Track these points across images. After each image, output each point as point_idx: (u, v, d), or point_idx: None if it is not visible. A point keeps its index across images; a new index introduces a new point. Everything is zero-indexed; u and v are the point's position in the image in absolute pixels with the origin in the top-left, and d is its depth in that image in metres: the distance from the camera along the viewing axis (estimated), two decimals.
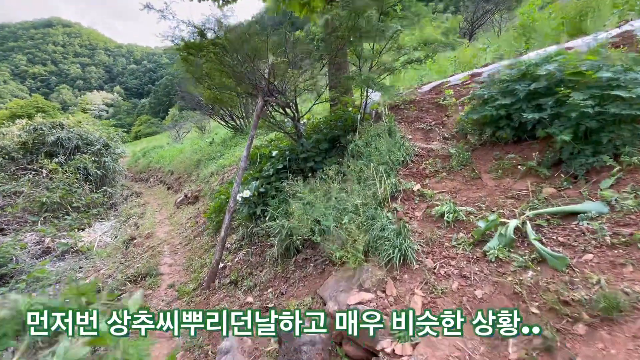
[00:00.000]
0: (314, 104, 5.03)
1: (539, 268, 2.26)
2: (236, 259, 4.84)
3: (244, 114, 11.07)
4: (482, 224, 2.66)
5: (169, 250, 6.42)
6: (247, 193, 4.99)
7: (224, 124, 11.37)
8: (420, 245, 2.77)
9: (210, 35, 4.37)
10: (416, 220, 3.11)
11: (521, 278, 2.24)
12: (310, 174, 5.11)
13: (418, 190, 3.44)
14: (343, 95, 5.41)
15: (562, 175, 2.88)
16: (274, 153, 5.79)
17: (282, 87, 4.76)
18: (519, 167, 3.20)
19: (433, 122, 4.79)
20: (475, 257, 2.56)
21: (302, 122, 6.28)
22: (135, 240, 7.29)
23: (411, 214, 3.17)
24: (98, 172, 10.62)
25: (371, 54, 4.66)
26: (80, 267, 6.51)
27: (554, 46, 5.81)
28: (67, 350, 0.60)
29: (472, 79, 5.72)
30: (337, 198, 3.71)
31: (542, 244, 2.40)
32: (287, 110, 5.05)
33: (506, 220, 2.67)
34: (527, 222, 2.56)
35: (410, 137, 4.49)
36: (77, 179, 9.91)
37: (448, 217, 2.96)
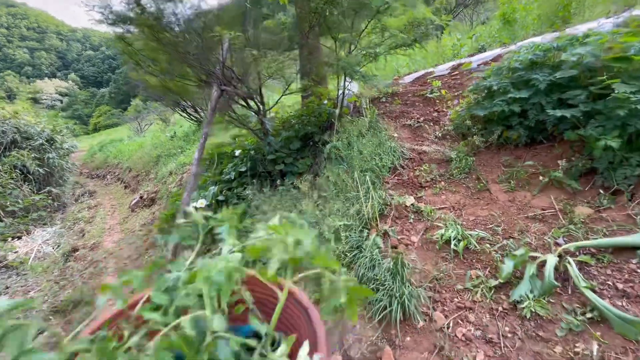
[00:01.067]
0: (282, 95, 4.12)
1: (598, 333, 1.55)
2: None
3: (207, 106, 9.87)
4: (508, 263, 1.90)
5: (114, 267, 5.34)
6: (202, 202, 4.03)
7: (186, 116, 10.16)
8: (424, 288, 2.00)
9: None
10: (414, 247, 2.33)
11: (577, 350, 1.52)
12: (279, 179, 4.24)
13: (412, 205, 2.66)
14: (317, 85, 4.54)
15: (600, 190, 2.20)
16: (237, 152, 4.85)
17: (243, 74, 3.82)
18: (539, 177, 2.49)
19: (421, 118, 4.04)
20: (501, 308, 1.82)
21: (269, 115, 5.36)
22: (77, 252, 6.13)
23: (407, 239, 2.39)
24: (40, 170, 9.15)
25: (350, 35, 3.81)
26: (6, 287, 5.31)
27: (538, 37, 5.21)
28: None
29: (460, 70, 5.01)
30: (311, 216, 2.89)
31: (595, 292, 1.69)
32: (251, 102, 4.11)
33: (537, 255, 1.94)
34: (570, 259, 1.84)
35: (396, 135, 3.71)
36: (12, 178, 8.44)
37: (456, 245, 2.20)
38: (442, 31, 10.46)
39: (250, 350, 0.54)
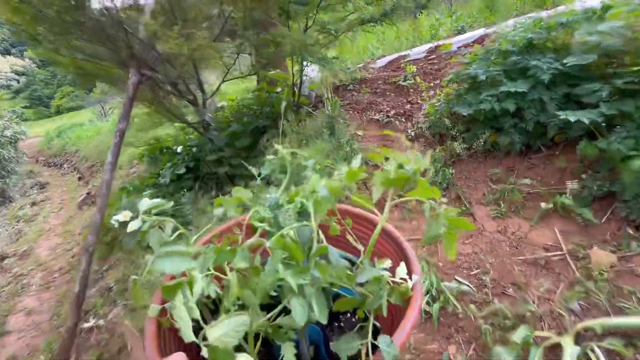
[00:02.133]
0: (222, 82, 3.24)
1: None
2: (111, 314, 3.12)
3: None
4: (504, 356, 1.22)
5: (40, 282, 4.46)
6: (125, 215, 3.20)
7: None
8: None
9: None
10: None
11: None
12: (228, 182, 3.44)
13: None
14: (272, 70, 3.67)
15: (626, 226, 1.54)
16: (179, 149, 3.99)
17: (171, 55, 2.92)
18: (538, 200, 1.82)
19: (392, 112, 3.28)
20: None
21: (219, 105, 4.45)
22: (5, 262, 5.19)
23: None
24: None
25: (305, 8, 2.96)
26: None
27: (522, 17, 4.49)
28: None
29: (438, 53, 4.24)
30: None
31: None
32: (187, 90, 3.23)
33: (546, 335, 1.28)
34: (594, 346, 1.19)
35: (360, 134, 2.96)
36: None
37: (429, 304, 1.52)
38: (420, 11, 9.60)
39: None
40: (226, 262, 0.51)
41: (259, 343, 0.47)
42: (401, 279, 0.50)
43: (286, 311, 0.45)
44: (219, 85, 3.25)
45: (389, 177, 0.52)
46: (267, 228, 0.53)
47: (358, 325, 0.52)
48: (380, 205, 0.56)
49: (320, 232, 0.53)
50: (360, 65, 5.54)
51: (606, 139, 1.54)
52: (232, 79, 3.34)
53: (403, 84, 3.65)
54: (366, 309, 0.48)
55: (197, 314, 0.43)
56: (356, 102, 3.58)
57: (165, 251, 0.44)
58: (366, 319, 0.52)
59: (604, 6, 1.78)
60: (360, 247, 0.59)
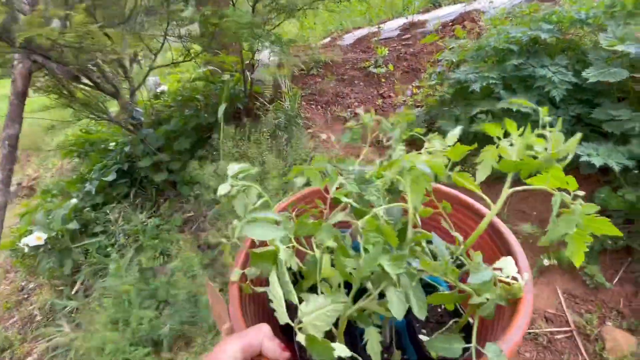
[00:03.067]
0: (149, 70, 2.50)
1: None
2: (35, 355, 2.56)
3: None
4: None
5: None
6: (38, 238, 2.54)
7: None
8: None
9: None
10: None
11: None
12: (169, 188, 2.84)
13: None
14: (220, 52, 2.92)
15: None
16: (112, 145, 3.27)
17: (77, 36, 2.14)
18: (537, 252, 1.44)
19: (361, 107, 2.77)
20: None
21: (157, 85, 3.63)
22: None
23: None
24: None
25: None
26: None
27: None
28: None
29: (413, 32, 3.66)
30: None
31: None
32: (105, 80, 2.47)
33: None
34: None
35: (324, 137, 2.43)
36: None
37: None
38: None
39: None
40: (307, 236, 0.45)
41: (343, 325, 0.43)
42: (512, 277, 0.41)
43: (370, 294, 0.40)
44: (146, 75, 2.52)
45: (510, 159, 0.41)
46: (353, 204, 0.47)
47: (452, 322, 0.48)
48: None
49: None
50: (326, 41, 4.85)
51: (635, 190, 1.15)
52: (162, 66, 2.61)
53: (374, 71, 3.08)
54: (477, 314, 0.39)
55: (295, 298, 0.39)
56: (319, 93, 3.00)
57: (253, 217, 0.40)
58: (455, 313, 0.51)
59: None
60: (458, 236, 0.49)
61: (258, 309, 0.50)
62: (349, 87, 3.06)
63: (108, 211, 2.72)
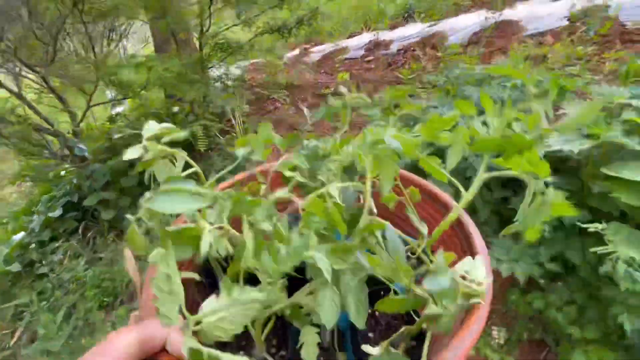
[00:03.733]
0: (88, 107, 2.31)
1: None
2: None
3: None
4: None
5: None
6: None
7: None
8: None
9: None
10: None
11: None
12: (119, 223, 2.73)
13: None
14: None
15: None
16: (63, 172, 3.12)
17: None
18: None
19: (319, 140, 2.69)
20: None
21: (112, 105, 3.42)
22: None
23: None
24: None
25: None
26: None
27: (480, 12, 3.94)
28: None
29: (377, 54, 3.55)
30: None
31: None
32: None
33: None
34: None
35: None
36: None
37: None
38: None
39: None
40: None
41: (270, 324, 0.37)
42: (477, 283, 0.33)
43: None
44: (85, 111, 2.35)
45: (486, 137, 0.36)
46: (301, 180, 0.42)
47: (403, 328, 0.38)
48: None
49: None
50: (295, 53, 4.70)
51: (544, 297, 1.12)
52: (101, 103, 2.45)
53: (332, 100, 2.99)
54: (431, 329, 0.34)
55: (180, 299, 0.28)
56: (276, 123, 2.90)
57: (170, 187, 0.31)
58: (408, 315, 0.44)
59: None
60: (423, 230, 0.42)
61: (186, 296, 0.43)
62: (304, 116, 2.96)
63: (53, 250, 2.61)
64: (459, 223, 0.45)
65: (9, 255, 2.60)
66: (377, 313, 0.49)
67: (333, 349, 0.44)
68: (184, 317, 0.29)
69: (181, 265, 0.39)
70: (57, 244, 2.69)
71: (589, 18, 2.18)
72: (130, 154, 0.37)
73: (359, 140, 0.40)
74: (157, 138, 0.38)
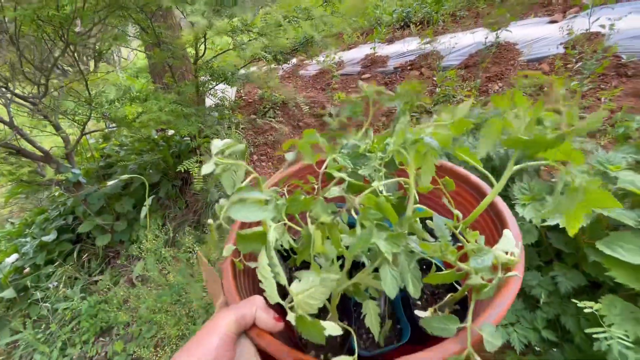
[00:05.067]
0: (82, 134, 2.23)
1: None
2: None
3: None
4: None
5: None
6: None
7: None
8: None
9: None
10: None
11: None
12: (116, 245, 2.69)
13: None
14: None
15: None
16: (57, 193, 3.06)
17: None
18: None
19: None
20: None
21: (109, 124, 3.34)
22: None
23: None
24: None
25: None
26: None
27: (479, 31, 3.89)
28: None
29: (373, 71, 3.49)
30: None
31: None
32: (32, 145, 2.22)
33: None
34: None
35: None
36: None
37: None
38: None
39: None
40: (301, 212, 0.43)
41: (337, 299, 0.43)
42: (510, 253, 0.40)
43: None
44: (79, 139, 2.29)
45: (517, 133, 0.38)
46: (347, 178, 0.46)
47: (448, 296, 0.46)
48: None
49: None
50: (290, 65, 4.61)
51: None
52: (95, 131, 2.38)
53: (328, 121, 2.93)
54: (475, 298, 0.38)
55: (283, 279, 0.37)
56: (273, 145, 2.85)
57: (239, 198, 0.38)
58: (453, 288, 0.50)
59: None
60: (458, 214, 0.46)
61: (251, 282, 0.49)
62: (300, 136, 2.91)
63: (48, 275, 2.57)
64: (493, 207, 0.50)
65: (4, 281, 2.54)
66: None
67: (387, 317, 0.50)
68: (283, 298, 0.37)
69: (249, 258, 0.47)
70: (51, 268, 2.64)
71: (583, 54, 2.14)
72: (205, 169, 0.41)
73: (398, 138, 0.43)
74: (221, 152, 0.43)
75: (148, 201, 1.66)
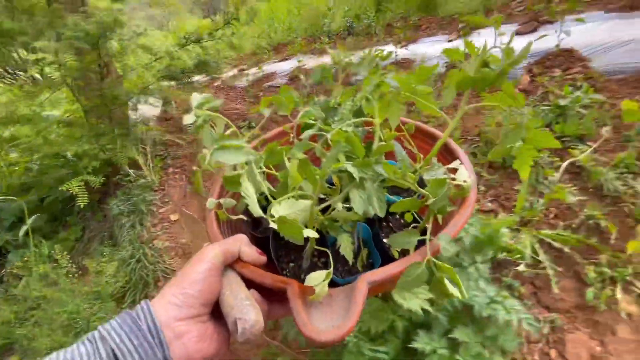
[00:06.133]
0: None
1: None
2: None
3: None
4: None
5: None
6: None
7: None
8: None
9: None
10: None
11: None
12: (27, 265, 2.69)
13: None
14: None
15: None
16: None
17: None
18: None
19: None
20: None
21: None
22: None
23: None
24: None
25: None
26: None
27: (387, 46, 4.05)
28: None
29: (296, 80, 3.62)
30: None
31: None
32: None
33: None
34: None
35: (175, 218, 2.38)
36: None
37: None
38: None
39: None
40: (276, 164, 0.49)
41: (312, 222, 0.46)
42: (463, 181, 0.45)
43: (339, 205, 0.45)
44: None
45: (468, 75, 0.43)
46: (320, 126, 0.48)
47: (412, 226, 0.52)
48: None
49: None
50: (232, 73, 4.70)
51: None
52: None
53: (247, 134, 3.02)
54: (431, 211, 0.43)
55: (264, 188, 0.42)
56: (192, 157, 2.92)
57: (222, 144, 0.40)
58: (415, 221, 0.56)
59: None
60: (419, 154, 0.56)
61: (235, 231, 0.53)
62: None
63: None
64: (446, 147, 0.56)
65: None
66: (391, 224, 0.60)
67: (361, 247, 0.55)
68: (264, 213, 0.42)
69: (232, 212, 0.51)
70: None
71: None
72: (187, 119, 0.46)
73: (364, 85, 0.47)
74: (200, 106, 0.47)
75: (29, 221, 1.70)
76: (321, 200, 0.46)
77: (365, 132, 0.50)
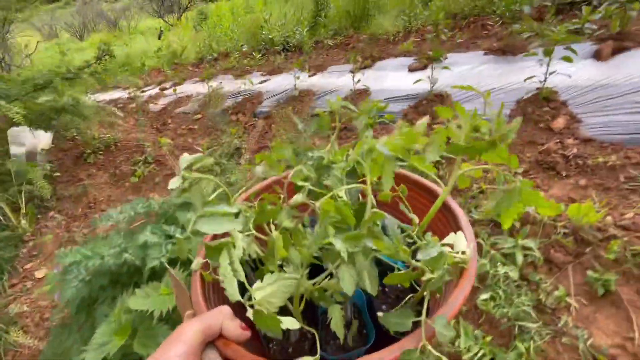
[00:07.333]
0: None
1: None
2: None
3: None
4: None
5: None
6: None
7: None
8: None
9: None
10: None
11: None
12: None
13: None
14: None
15: None
16: None
17: None
18: None
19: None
20: None
21: None
22: None
23: None
24: None
25: None
26: None
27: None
28: None
29: (168, 109, 3.44)
30: None
31: None
32: None
33: None
34: None
35: (40, 275, 2.16)
36: None
37: None
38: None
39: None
40: (268, 222, 0.47)
41: (303, 303, 0.45)
42: (462, 252, 0.43)
43: (332, 274, 0.43)
44: None
45: (458, 141, 0.42)
46: (311, 187, 0.46)
47: (409, 297, 0.50)
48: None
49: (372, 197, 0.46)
50: (154, 92, 4.44)
51: None
52: None
53: (138, 171, 2.84)
54: (427, 289, 0.41)
55: (242, 277, 0.39)
56: (76, 199, 2.69)
57: (207, 211, 0.39)
58: (413, 289, 0.52)
59: None
60: (415, 218, 0.50)
61: (220, 296, 0.49)
62: (114, 188, 2.80)
63: None
64: (446, 207, 0.52)
65: None
66: (386, 289, 0.57)
67: (353, 319, 0.52)
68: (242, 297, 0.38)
69: (216, 270, 0.46)
70: None
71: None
72: (172, 184, 0.41)
73: (357, 148, 0.45)
74: (189, 167, 0.43)
75: None
76: (312, 267, 0.44)
77: (359, 191, 0.48)
